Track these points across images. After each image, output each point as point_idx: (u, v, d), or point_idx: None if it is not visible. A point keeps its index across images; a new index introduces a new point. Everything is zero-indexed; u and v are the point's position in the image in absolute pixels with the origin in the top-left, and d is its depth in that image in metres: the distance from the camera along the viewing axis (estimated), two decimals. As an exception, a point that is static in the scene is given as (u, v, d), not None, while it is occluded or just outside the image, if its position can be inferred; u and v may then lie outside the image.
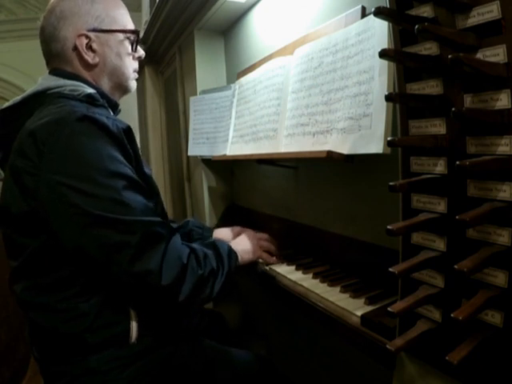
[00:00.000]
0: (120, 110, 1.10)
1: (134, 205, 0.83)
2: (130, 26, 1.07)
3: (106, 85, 1.05)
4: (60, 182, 0.80)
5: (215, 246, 1.02)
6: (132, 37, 1.06)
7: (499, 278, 0.55)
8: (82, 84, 0.96)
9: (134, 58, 1.09)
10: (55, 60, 1.00)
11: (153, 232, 0.84)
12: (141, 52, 1.11)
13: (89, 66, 1.00)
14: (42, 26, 1.00)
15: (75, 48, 0.98)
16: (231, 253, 1.04)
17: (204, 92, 1.90)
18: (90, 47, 0.99)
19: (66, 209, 0.80)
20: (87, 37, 0.98)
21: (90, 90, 0.96)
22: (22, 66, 5.49)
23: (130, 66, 1.08)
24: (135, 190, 0.86)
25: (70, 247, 0.83)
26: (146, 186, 0.92)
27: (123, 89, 1.10)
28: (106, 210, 0.80)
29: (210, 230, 1.43)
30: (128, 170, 0.86)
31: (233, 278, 1.03)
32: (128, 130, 0.90)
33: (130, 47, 1.07)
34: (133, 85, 1.11)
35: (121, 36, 1.04)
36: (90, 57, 0.99)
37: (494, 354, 0.56)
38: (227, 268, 0.99)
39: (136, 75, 1.12)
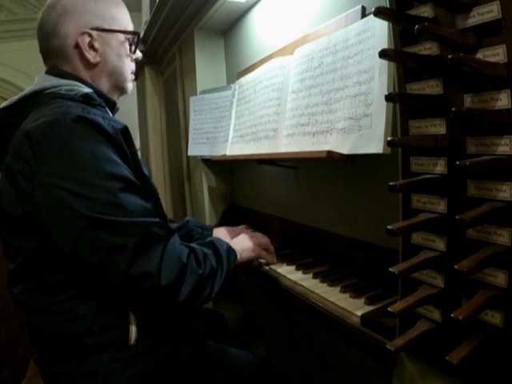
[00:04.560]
0: (118, 109, 1.09)
1: (130, 207, 0.82)
2: (130, 27, 1.07)
3: (104, 85, 1.04)
4: (55, 184, 0.78)
5: (214, 245, 1.01)
6: (132, 38, 1.06)
7: (499, 278, 0.55)
8: (78, 83, 0.95)
9: (131, 59, 1.09)
10: (53, 57, 0.99)
11: (150, 233, 0.83)
12: (138, 54, 1.11)
13: (89, 65, 0.99)
14: (40, 22, 0.98)
15: (76, 46, 0.96)
16: (230, 251, 1.03)
17: (204, 92, 1.90)
18: (91, 46, 0.98)
19: (61, 212, 0.79)
20: (89, 35, 0.97)
21: (87, 90, 0.95)
22: (21, 66, 5.48)
23: (129, 67, 1.08)
24: (132, 191, 0.85)
25: (66, 250, 0.82)
26: (143, 188, 0.90)
27: (120, 89, 1.09)
28: (102, 212, 0.79)
29: (210, 230, 1.43)
30: (125, 171, 0.85)
31: (232, 278, 1.02)
32: (125, 131, 0.89)
33: (129, 48, 1.06)
34: (130, 86, 1.11)
35: (122, 37, 1.03)
36: (91, 56, 0.98)
37: (494, 354, 0.56)
38: (226, 267, 0.98)
39: (133, 76, 1.12)
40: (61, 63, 0.99)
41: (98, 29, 0.98)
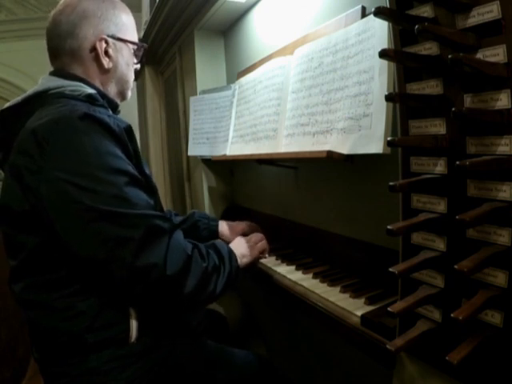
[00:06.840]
0: (119, 112, 1.11)
1: (135, 200, 0.84)
2: (136, 36, 1.12)
3: (111, 90, 1.07)
4: (62, 178, 0.80)
5: (215, 246, 1.02)
6: (139, 49, 1.11)
7: (499, 278, 0.55)
8: (82, 84, 0.97)
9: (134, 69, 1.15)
10: (66, 57, 1.00)
11: (156, 225, 0.85)
12: (138, 65, 1.16)
13: (102, 70, 1.02)
14: (55, 21, 0.98)
15: (92, 50, 0.99)
16: (231, 254, 1.04)
17: (204, 92, 1.90)
18: (106, 52, 1.01)
19: (67, 205, 0.80)
20: (106, 41, 1.00)
21: (90, 91, 0.96)
22: (21, 66, 5.48)
23: (133, 76, 1.13)
24: (136, 185, 0.87)
25: (72, 245, 0.83)
26: (146, 184, 0.92)
27: (122, 96, 1.13)
28: (108, 204, 0.80)
29: (216, 220, 1.45)
30: (129, 167, 0.87)
31: (234, 280, 1.02)
32: (129, 129, 0.91)
33: (135, 58, 1.11)
34: (130, 94, 1.16)
35: (132, 47, 1.08)
36: (105, 61, 1.01)
37: (494, 354, 0.56)
38: (228, 267, 0.99)
39: (132, 85, 1.18)
40: (73, 65, 1.00)
41: (113, 36, 1.02)
